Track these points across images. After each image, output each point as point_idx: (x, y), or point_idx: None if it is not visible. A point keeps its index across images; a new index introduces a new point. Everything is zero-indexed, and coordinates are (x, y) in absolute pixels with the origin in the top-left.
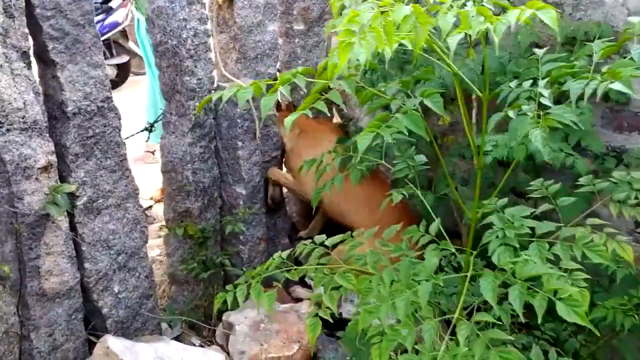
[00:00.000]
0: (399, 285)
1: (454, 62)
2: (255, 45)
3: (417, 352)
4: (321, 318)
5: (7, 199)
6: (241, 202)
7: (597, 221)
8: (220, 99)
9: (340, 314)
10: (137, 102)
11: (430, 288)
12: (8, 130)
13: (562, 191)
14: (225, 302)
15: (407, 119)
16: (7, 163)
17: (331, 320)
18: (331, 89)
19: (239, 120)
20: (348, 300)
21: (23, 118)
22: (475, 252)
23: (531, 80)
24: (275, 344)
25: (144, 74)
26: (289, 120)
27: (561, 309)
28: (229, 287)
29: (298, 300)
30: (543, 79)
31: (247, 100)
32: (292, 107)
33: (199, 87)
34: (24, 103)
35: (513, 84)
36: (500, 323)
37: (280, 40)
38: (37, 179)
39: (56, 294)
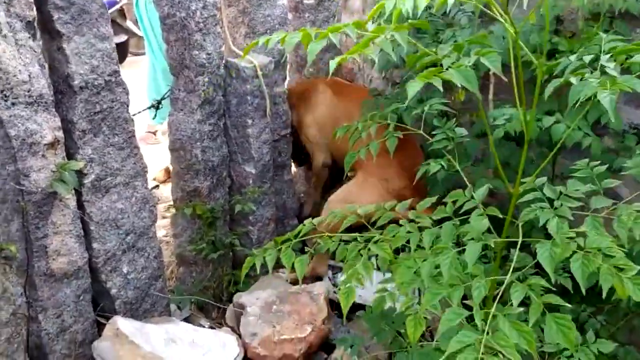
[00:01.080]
0: (441, 244)
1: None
2: (265, 20)
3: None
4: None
5: (13, 176)
6: (250, 182)
7: None
8: (266, 44)
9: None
10: (137, 82)
11: (480, 247)
12: (13, 104)
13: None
14: (236, 282)
15: (459, 74)
16: (13, 138)
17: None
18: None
19: (248, 98)
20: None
21: (28, 91)
22: (521, 223)
23: (592, 56)
24: (288, 326)
25: (142, 54)
26: (333, 63)
27: (630, 288)
28: (257, 250)
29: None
30: (606, 54)
31: (257, 77)
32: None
33: (209, 62)
34: (29, 76)
35: (573, 57)
36: (555, 289)
37: (290, 15)
38: (43, 155)
39: (64, 274)
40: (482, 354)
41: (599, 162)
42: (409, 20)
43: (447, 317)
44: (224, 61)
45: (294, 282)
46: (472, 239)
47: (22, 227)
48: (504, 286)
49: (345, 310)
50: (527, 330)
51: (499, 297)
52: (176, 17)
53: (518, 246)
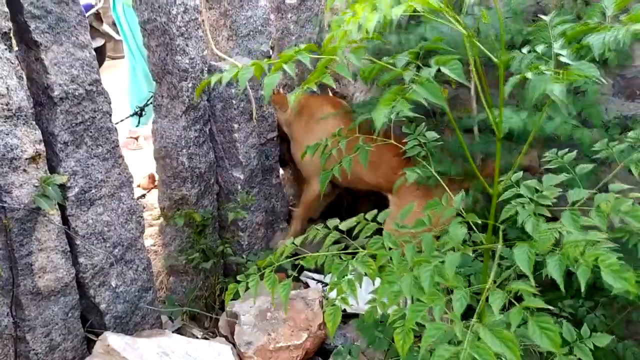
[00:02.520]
0: (422, 257)
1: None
2: (247, 22)
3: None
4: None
5: None
6: (239, 187)
7: (622, 186)
8: (219, 81)
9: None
10: (115, 86)
11: (459, 258)
12: None
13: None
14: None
15: (424, 89)
16: None
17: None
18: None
19: (234, 102)
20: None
21: (7, 105)
22: (502, 226)
23: (543, 45)
24: (284, 333)
25: (120, 57)
26: (292, 97)
27: (608, 277)
28: (240, 277)
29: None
30: (556, 41)
31: None
32: (277, 91)
33: (191, 67)
34: (7, 88)
35: (525, 49)
36: (537, 292)
37: (272, 16)
38: (25, 170)
39: (51, 291)
40: None
41: (567, 149)
42: (361, 37)
43: (428, 334)
44: (207, 65)
45: None
46: (452, 248)
47: (6, 245)
48: (484, 294)
49: (332, 332)
50: (508, 337)
51: (481, 304)
52: (157, 22)
53: (498, 252)
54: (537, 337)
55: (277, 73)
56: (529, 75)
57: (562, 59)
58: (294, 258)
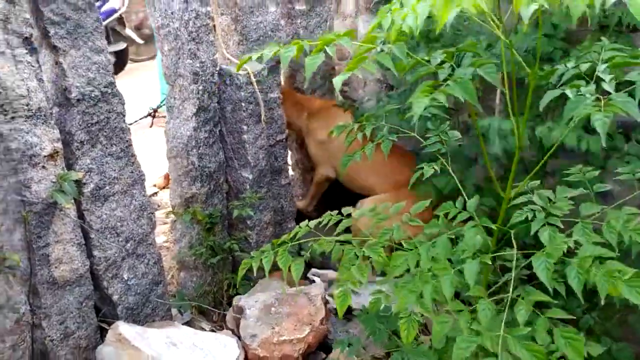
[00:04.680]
0: (440, 264)
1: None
2: (257, 27)
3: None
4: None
5: (15, 188)
6: (247, 187)
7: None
8: (260, 58)
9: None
10: (136, 88)
11: (478, 266)
12: (12, 118)
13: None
14: (235, 286)
15: (458, 87)
16: (13, 151)
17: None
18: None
19: (243, 104)
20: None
21: (27, 105)
22: (513, 231)
23: (589, 64)
24: (287, 327)
25: (142, 60)
26: (338, 80)
27: (625, 291)
28: (254, 253)
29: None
30: (601, 65)
31: (251, 83)
32: (287, 91)
33: (202, 71)
34: (28, 90)
35: (570, 64)
36: (556, 302)
37: (282, 22)
38: (43, 167)
39: (66, 281)
40: None
41: (592, 167)
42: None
43: (457, 347)
44: (217, 69)
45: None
46: (470, 256)
47: (25, 237)
48: (507, 303)
49: (341, 313)
50: (538, 350)
51: (505, 313)
52: (170, 27)
53: (514, 264)
54: (563, 347)
55: (319, 54)
56: (569, 93)
57: (604, 85)
58: (305, 240)
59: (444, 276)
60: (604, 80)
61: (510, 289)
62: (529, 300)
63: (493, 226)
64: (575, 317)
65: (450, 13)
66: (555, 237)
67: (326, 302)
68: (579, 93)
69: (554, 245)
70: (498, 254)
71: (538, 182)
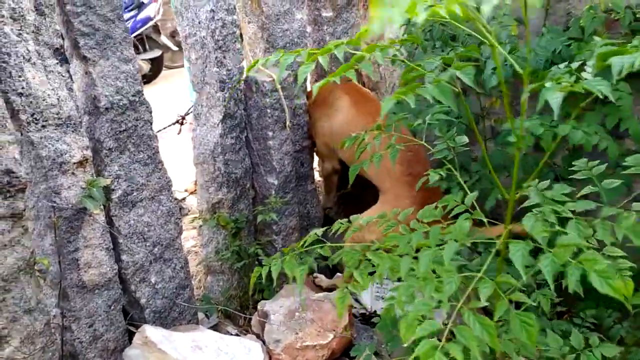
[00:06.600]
0: (426, 242)
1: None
2: (283, 34)
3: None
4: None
5: (45, 194)
6: (273, 192)
7: None
8: (255, 84)
9: (375, 311)
10: (171, 95)
11: (456, 247)
12: (43, 126)
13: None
14: (262, 291)
15: (435, 89)
16: (44, 159)
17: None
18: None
19: (268, 111)
20: (379, 299)
21: (57, 114)
22: (508, 227)
23: (581, 62)
24: (310, 333)
25: (176, 67)
26: (315, 86)
27: (594, 280)
28: (265, 261)
29: (329, 290)
30: (591, 59)
31: (276, 90)
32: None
33: (229, 78)
34: (58, 99)
35: (562, 65)
36: (536, 305)
37: (308, 28)
38: (73, 173)
39: (95, 285)
40: (444, 342)
41: (597, 161)
42: (401, 38)
43: (414, 311)
44: (244, 76)
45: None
46: (455, 240)
47: (55, 241)
48: (474, 282)
49: (340, 314)
50: (489, 324)
51: (468, 291)
52: (197, 37)
53: (501, 244)
54: (517, 330)
55: (310, 64)
56: (547, 84)
57: (585, 74)
58: (317, 246)
59: (423, 252)
60: (586, 71)
61: (482, 270)
62: (494, 282)
63: (484, 219)
64: (533, 302)
65: (419, 18)
66: (538, 224)
67: (351, 308)
68: (557, 83)
69: (537, 232)
70: (483, 240)
71: (547, 182)
